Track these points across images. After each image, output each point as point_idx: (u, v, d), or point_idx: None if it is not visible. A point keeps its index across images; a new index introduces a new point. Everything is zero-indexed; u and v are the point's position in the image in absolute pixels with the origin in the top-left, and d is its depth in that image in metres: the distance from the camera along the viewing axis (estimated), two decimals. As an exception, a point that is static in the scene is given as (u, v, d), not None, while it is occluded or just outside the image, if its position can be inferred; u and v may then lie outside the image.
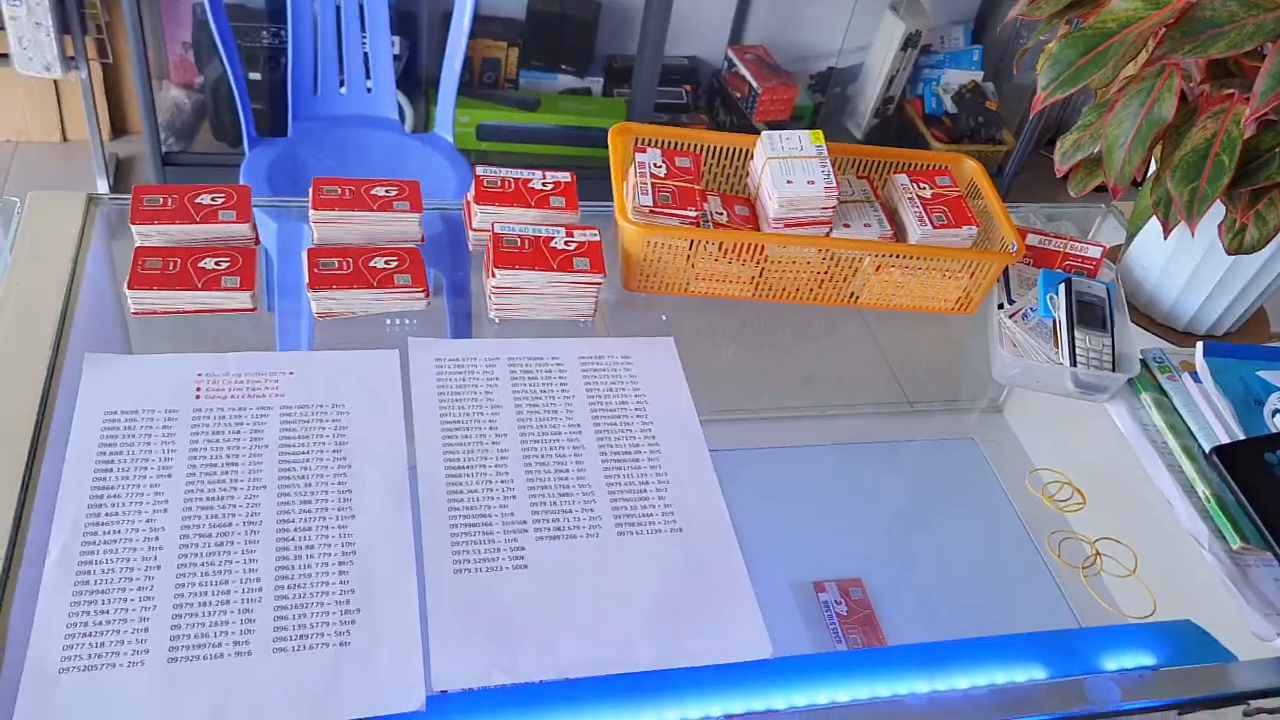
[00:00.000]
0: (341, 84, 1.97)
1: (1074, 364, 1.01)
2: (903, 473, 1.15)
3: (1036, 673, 0.80)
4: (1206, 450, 0.98)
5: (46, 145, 2.48)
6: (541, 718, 0.70)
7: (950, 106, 2.78)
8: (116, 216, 1.01)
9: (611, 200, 1.03)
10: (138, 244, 0.93)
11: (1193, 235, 0.97)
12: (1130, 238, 1.11)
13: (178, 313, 0.91)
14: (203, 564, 0.73)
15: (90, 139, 2.26)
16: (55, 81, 2.37)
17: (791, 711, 0.73)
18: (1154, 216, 0.99)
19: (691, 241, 1.01)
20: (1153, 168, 1.02)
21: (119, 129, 2.54)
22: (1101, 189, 1.04)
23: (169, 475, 0.78)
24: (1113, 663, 0.82)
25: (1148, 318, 1.18)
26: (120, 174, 2.42)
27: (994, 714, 0.76)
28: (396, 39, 2.18)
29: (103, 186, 2.33)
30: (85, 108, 2.19)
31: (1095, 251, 1.14)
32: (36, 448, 0.77)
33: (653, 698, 0.72)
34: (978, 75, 2.78)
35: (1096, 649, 0.84)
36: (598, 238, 1.00)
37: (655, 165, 1.03)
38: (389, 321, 0.96)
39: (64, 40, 2.01)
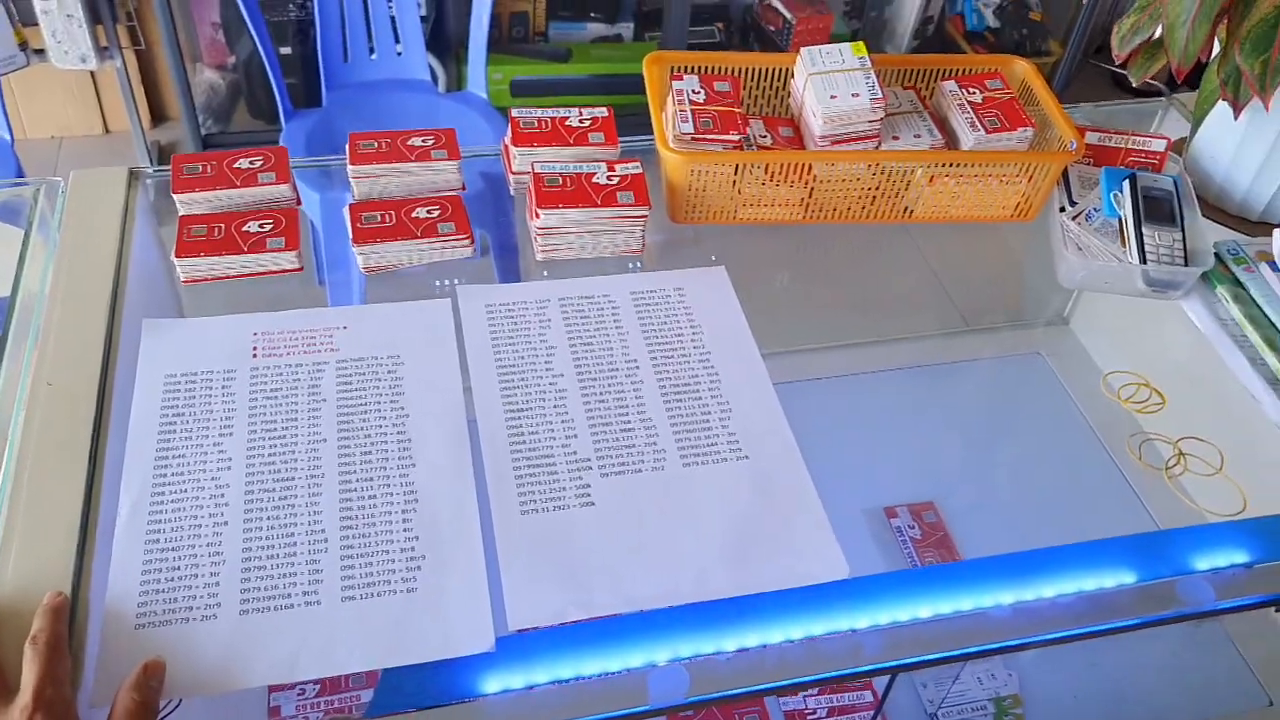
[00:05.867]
0: (371, 50, 1.95)
1: (1144, 261, 0.97)
2: (968, 393, 1.12)
3: (1125, 577, 0.77)
4: (1291, 340, 0.94)
5: (90, 138, 2.51)
6: (617, 651, 0.69)
7: (992, 21, 2.69)
8: (159, 189, 1.01)
9: (652, 136, 1.00)
10: (181, 213, 0.93)
11: (1266, 109, 0.92)
12: (1196, 125, 1.06)
13: (225, 277, 0.91)
14: (268, 518, 0.73)
15: (131, 128, 2.27)
16: (93, 74, 2.39)
17: (873, 630, 0.71)
18: (1222, 99, 0.94)
19: (737, 166, 0.98)
20: (1216, 48, 0.97)
21: (158, 116, 2.56)
22: (1149, 94, 0.99)
23: (231, 434, 0.78)
24: (1204, 563, 0.79)
25: (1219, 211, 1.12)
26: (163, 161, 2.44)
27: (1083, 620, 0.74)
28: (422, 0, 2.16)
29: (148, 174, 2.35)
30: (123, 96, 2.21)
31: (1159, 145, 1.08)
32: (101, 416, 0.78)
33: (731, 624, 0.71)
34: (1019, -14, 2.68)
35: (1186, 550, 0.81)
36: (640, 169, 0.97)
37: (693, 91, 1.00)
38: (438, 282, 0.94)
39: (96, 30, 2.01)
